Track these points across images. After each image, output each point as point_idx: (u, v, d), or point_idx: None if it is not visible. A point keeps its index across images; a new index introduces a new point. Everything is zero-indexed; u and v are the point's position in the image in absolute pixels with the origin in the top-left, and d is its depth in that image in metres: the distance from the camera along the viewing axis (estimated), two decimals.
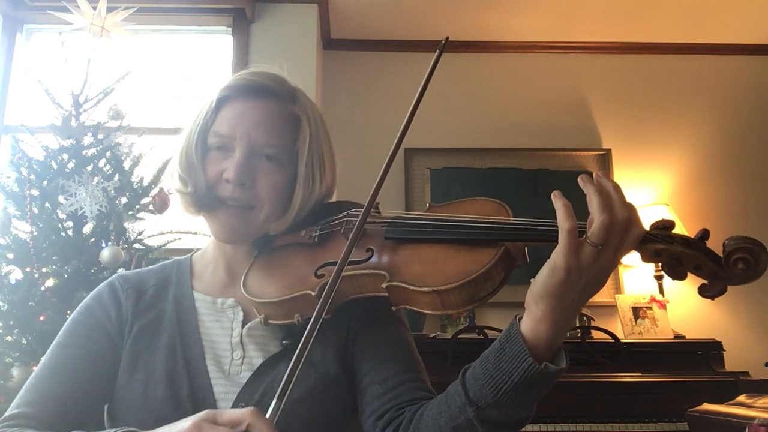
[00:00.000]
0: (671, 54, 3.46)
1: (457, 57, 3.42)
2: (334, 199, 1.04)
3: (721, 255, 0.69)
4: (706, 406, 1.77)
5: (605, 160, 3.28)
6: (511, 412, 0.72)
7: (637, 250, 0.70)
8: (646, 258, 0.71)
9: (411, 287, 0.77)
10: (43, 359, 0.92)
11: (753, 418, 1.48)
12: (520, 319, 0.72)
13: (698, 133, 3.37)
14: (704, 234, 0.70)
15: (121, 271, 1.99)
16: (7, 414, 0.86)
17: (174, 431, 0.68)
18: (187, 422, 0.66)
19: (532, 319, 0.70)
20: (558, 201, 0.69)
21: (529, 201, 3.09)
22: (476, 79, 3.42)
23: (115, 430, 0.75)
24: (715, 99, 3.42)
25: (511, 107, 3.37)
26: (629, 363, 2.40)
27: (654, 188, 3.25)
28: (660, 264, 0.71)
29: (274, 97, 0.97)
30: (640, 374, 2.36)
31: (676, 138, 3.35)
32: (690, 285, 2.90)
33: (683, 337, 2.67)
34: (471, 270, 0.74)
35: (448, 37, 0.93)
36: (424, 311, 0.78)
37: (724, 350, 2.49)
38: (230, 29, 2.99)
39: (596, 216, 0.66)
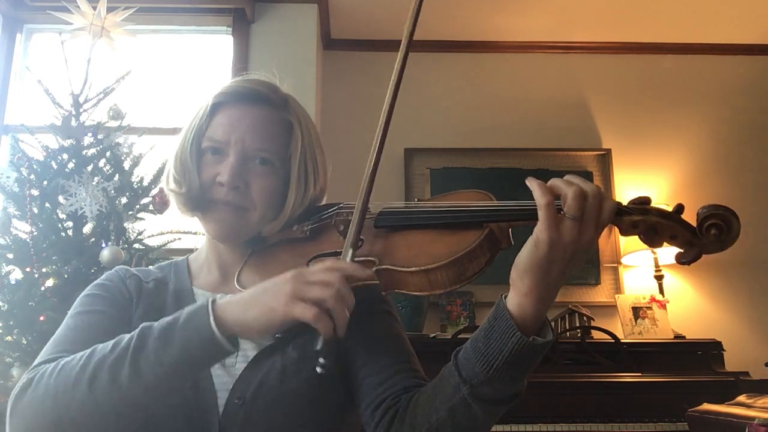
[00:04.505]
0: (671, 54, 3.46)
1: (457, 57, 3.42)
2: (324, 202, 1.06)
3: (695, 224, 0.72)
4: (706, 406, 1.77)
5: (605, 160, 3.28)
6: (503, 388, 0.75)
7: (615, 223, 0.74)
8: (624, 230, 0.74)
9: (399, 269, 0.80)
10: (63, 325, 0.92)
11: (753, 418, 1.48)
12: (505, 297, 0.75)
13: (698, 133, 3.37)
14: (679, 208, 0.74)
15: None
16: (40, 360, 0.84)
17: (271, 285, 0.77)
18: (283, 276, 0.77)
19: (518, 294, 0.73)
20: (533, 182, 0.73)
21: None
22: (476, 79, 3.41)
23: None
24: (715, 99, 3.42)
25: (511, 107, 3.37)
26: (629, 363, 2.39)
27: (654, 188, 3.25)
28: (638, 235, 0.74)
29: (267, 104, 0.99)
30: (640, 374, 2.36)
31: (676, 138, 3.35)
32: (690, 285, 2.89)
33: (683, 337, 2.67)
34: (457, 250, 0.77)
35: None
36: (413, 292, 0.81)
37: (724, 350, 2.48)
38: (230, 29, 2.99)
39: (567, 190, 0.70)
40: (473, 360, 0.75)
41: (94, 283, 1.00)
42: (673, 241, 0.73)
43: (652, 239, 0.74)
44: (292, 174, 0.98)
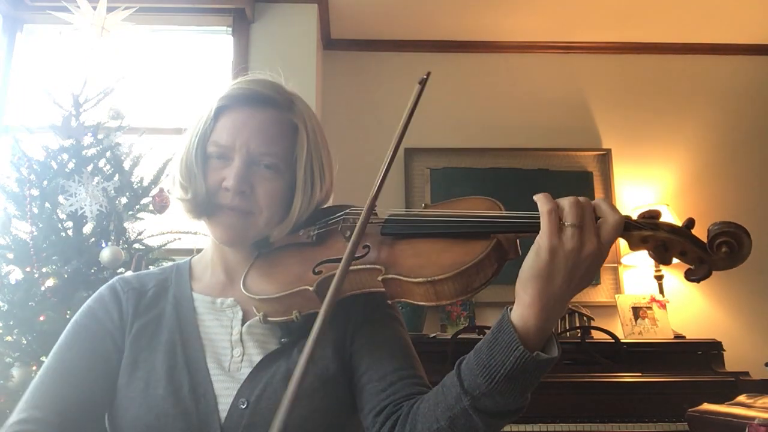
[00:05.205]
0: (671, 54, 3.46)
1: (457, 57, 3.42)
2: (330, 203, 1.05)
3: (706, 240, 0.71)
4: (706, 406, 1.77)
5: (605, 160, 3.28)
6: (505, 401, 0.74)
7: (624, 237, 0.73)
8: (633, 245, 0.73)
9: (406, 279, 0.79)
10: (45, 363, 0.92)
11: (753, 418, 1.49)
12: (510, 309, 0.74)
13: (698, 133, 3.37)
14: (690, 223, 0.72)
15: (121, 271, 2.00)
16: (13, 419, 0.86)
17: None
18: None
19: (522, 306, 0.72)
20: (538, 195, 0.74)
21: (529, 201, 3.08)
22: (476, 79, 3.41)
23: None
24: (715, 99, 3.42)
25: (511, 107, 3.37)
26: (629, 363, 2.40)
27: (654, 188, 3.25)
28: (647, 251, 0.73)
29: (273, 106, 0.98)
30: (640, 374, 2.36)
31: (676, 138, 3.35)
32: (690, 285, 2.88)
33: (683, 337, 2.67)
34: (464, 261, 0.76)
35: (429, 73, 0.93)
36: (419, 303, 0.80)
37: (724, 350, 2.49)
38: (230, 29, 2.99)
39: (564, 201, 0.72)
40: (475, 371, 0.74)
41: (85, 305, 0.99)
42: (682, 257, 0.72)
43: (662, 255, 0.72)
44: (298, 177, 0.97)
